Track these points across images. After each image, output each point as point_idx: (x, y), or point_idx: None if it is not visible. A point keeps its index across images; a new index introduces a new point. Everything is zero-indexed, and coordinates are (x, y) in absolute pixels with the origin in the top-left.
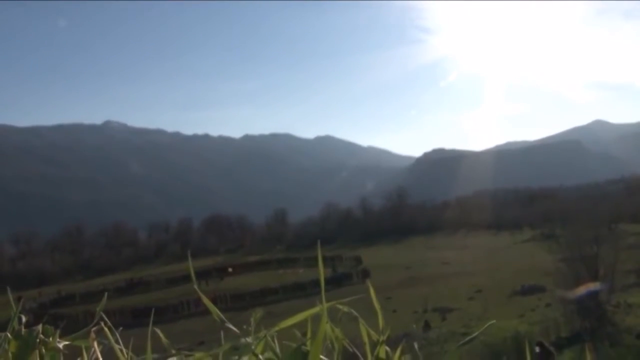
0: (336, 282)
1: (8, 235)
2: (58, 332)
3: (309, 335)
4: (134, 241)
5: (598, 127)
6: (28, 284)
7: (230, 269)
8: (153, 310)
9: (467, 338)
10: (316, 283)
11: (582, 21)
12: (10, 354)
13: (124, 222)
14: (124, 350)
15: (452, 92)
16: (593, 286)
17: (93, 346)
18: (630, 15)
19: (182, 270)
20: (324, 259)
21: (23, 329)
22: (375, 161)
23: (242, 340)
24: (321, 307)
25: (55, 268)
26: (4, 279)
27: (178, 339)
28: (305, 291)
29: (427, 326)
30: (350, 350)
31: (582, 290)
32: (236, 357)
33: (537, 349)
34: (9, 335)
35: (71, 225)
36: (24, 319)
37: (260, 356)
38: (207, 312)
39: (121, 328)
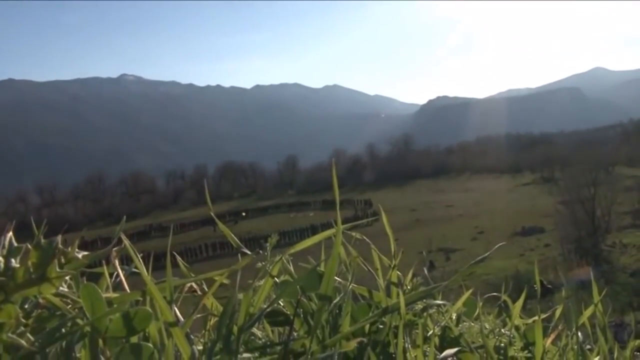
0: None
1: (33, 185)
2: (77, 242)
3: (322, 257)
4: (152, 188)
5: (598, 74)
6: (52, 231)
7: (244, 213)
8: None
9: (482, 256)
10: (328, 225)
11: None
12: (30, 264)
13: (142, 170)
14: (144, 267)
15: (456, 41)
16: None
17: (115, 264)
18: None
19: (198, 216)
20: (339, 203)
21: (42, 240)
22: (381, 109)
23: (258, 263)
24: (337, 229)
25: (78, 216)
26: (29, 227)
27: None
28: (318, 233)
29: (431, 266)
30: (365, 269)
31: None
32: (251, 281)
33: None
34: (29, 246)
35: (92, 175)
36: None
37: (276, 278)
38: (222, 256)
39: (133, 265)
